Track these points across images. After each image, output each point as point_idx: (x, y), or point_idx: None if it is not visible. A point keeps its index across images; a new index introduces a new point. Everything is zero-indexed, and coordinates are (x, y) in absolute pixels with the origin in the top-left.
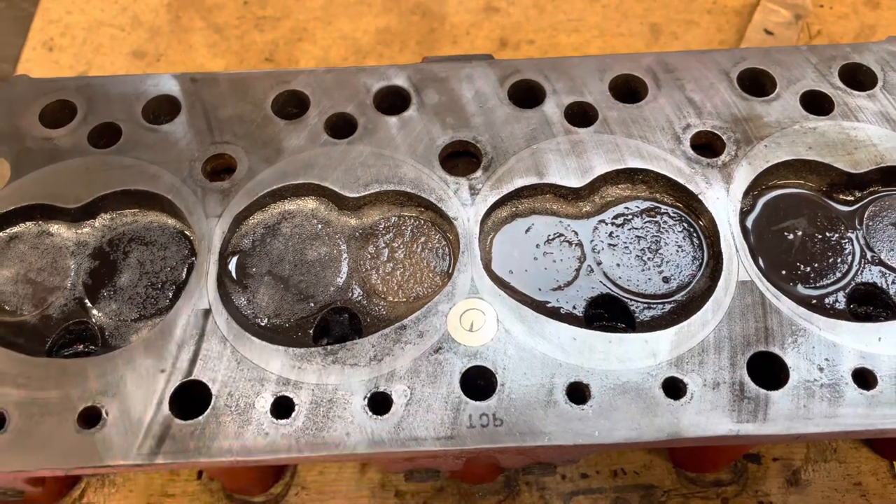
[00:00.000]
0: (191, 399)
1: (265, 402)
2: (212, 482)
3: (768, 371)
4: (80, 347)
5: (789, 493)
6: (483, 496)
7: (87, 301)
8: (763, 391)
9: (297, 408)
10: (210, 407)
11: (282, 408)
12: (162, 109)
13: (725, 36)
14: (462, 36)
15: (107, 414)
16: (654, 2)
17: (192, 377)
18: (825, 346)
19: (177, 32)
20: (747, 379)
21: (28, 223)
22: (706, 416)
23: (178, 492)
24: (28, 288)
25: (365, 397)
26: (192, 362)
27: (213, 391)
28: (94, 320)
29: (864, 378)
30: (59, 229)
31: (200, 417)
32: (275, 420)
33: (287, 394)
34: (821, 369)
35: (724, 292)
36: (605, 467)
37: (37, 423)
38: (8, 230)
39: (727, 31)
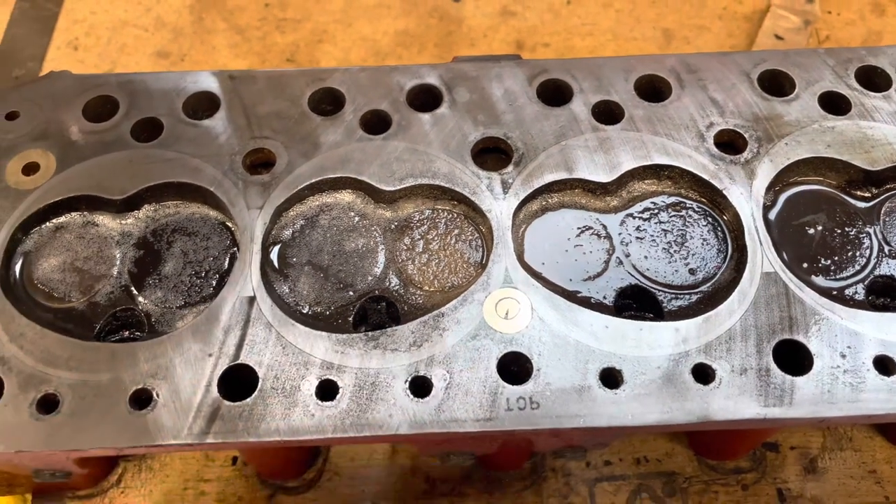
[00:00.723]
0: (238, 382)
1: (310, 385)
2: (246, 467)
3: (793, 358)
4: (127, 333)
5: (806, 479)
6: (510, 482)
7: (133, 289)
8: (788, 377)
9: (341, 390)
10: (257, 389)
11: (326, 390)
12: (201, 105)
13: (736, 41)
14: (479, 38)
15: (158, 396)
16: (665, 7)
17: (240, 361)
18: (847, 334)
19: (199, 33)
20: (773, 365)
21: (73, 214)
22: (734, 401)
23: (213, 477)
24: (75, 276)
25: (406, 381)
26: (239, 347)
27: (260, 374)
28: (140, 307)
29: (885, 365)
30: (104, 220)
31: (248, 399)
32: (320, 402)
33: (331, 377)
34: (843, 356)
35: (749, 283)
36: (629, 455)
37: (90, 404)
38: (55, 220)
39: (738, 37)
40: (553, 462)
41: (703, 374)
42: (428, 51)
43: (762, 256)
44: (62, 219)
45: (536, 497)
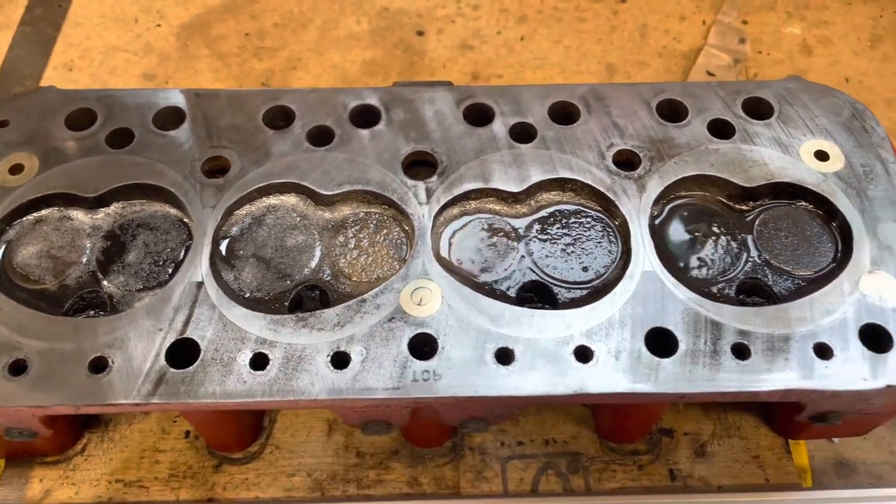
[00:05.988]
0: (183, 353)
1: (245, 357)
2: (197, 440)
3: (662, 343)
4: (92, 313)
5: (696, 462)
6: (432, 457)
7: (99, 274)
8: (656, 358)
9: (271, 362)
10: (199, 360)
11: (258, 362)
12: (169, 118)
13: (673, 76)
14: (439, 69)
15: (112, 363)
16: (611, 44)
17: (186, 335)
18: (710, 324)
19: (184, 59)
20: (644, 349)
21: (52, 209)
22: (608, 377)
23: (167, 448)
24: (49, 262)
25: (328, 355)
26: (186, 324)
27: (202, 347)
28: (104, 290)
29: (741, 351)
30: (78, 214)
31: (190, 368)
32: (252, 371)
33: (263, 351)
34: (705, 342)
35: (631, 280)
36: (539, 436)
37: (54, 368)
38: (35, 214)
39: (675, 73)
40: (471, 441)
41: (584, 354)
42: (392, 79)
43: (644, 257)
44: (41, 213)
45: (454, 472)
